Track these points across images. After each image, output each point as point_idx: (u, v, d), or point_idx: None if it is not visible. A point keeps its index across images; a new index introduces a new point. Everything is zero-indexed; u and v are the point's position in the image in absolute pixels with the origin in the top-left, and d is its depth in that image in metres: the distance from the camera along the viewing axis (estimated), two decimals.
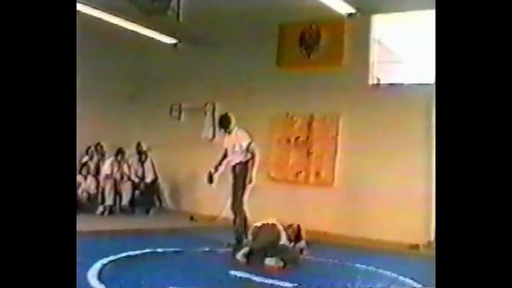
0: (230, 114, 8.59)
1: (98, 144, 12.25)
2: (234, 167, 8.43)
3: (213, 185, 8.46)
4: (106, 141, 12.33)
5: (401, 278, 6.35)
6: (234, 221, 8.28)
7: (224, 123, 8.62)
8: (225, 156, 8.59)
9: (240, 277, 5.84)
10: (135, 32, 11.53)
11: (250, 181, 8.24)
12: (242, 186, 8.25)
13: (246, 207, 8.21)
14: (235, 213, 8.29)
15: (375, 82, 10.34)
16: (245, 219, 8.15)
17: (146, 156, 12.14)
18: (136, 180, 11.95)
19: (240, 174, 8.31)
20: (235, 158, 8.41)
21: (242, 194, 8.24)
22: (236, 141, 8.40)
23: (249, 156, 8.33)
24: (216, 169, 8.48)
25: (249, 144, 8.37)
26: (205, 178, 8.55)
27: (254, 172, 8.24)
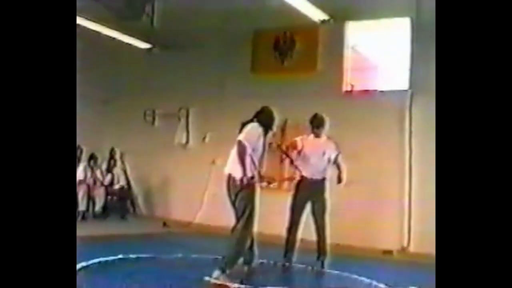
0: (323, 115, 7.28)
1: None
2: (304, 181, 7.25)
3: None
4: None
5: (375, 283, 6.36)
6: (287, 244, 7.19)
7: (316, 124, 7.22)
8: (291, 164, 7.50)
9: (215, 283, 5.80)
10: (109, 37, 11.45)
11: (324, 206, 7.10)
12: (321, 209, 7.12)
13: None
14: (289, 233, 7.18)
15: (349, 88, 10.38)
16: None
17: (120, 162, 12.05)
18: (109, 185, 11.86)
19: (318, 193, 7.14)
20: (315, 171, 7.20)
21: (323, 216, 7.14)
22: (325, 149, 7.21)
23: (327, 173, 7.18)
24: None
25: (337, 155, 7.25)
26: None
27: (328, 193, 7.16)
